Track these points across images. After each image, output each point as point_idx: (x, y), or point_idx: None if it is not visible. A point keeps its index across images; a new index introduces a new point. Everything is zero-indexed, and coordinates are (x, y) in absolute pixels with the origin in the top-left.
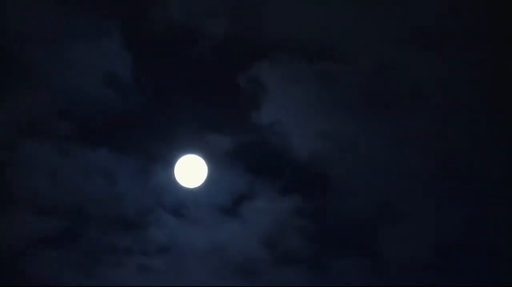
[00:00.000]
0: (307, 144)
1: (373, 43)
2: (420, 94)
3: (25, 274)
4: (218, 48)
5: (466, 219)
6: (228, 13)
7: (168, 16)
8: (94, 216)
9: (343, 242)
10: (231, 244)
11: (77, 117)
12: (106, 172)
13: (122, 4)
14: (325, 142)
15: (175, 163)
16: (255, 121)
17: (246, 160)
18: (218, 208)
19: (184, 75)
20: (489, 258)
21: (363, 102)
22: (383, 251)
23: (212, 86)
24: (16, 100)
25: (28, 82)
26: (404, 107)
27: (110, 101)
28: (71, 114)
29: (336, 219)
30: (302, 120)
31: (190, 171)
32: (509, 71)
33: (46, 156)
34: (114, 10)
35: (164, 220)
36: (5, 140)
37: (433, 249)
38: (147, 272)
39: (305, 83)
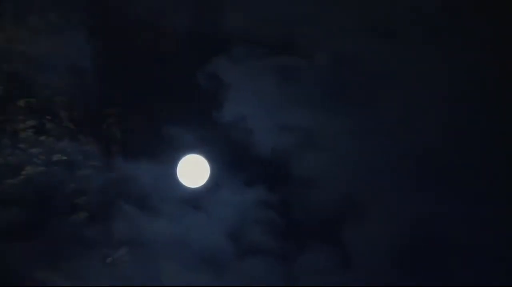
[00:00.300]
0: (269, 137)
1: (333, 36)
2: (381, 86)
3: None
4: (179, 42)
5: (429, 211)
6: (189, 8)
7: (131, 10)
8: (59, 208)
9: (307, 234)
10: (196, 236)
11: (40, 108)
12: (70, 164)
13: None
14: (287, 135)
15: (141, 154)
16: (217, 115)
17: (210, 154)
18: (183, 200)
19: (146, 69)
20: (453, 250)
21: (324, 96)
22: (348, 243)
23: (174, 81)
24: None
25: None
26: (366, 99)
27: (71, 93)
28: (34, 104)
29: (300, 211)
30: (264, 114)
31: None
32: (470, 62)
33: (9, 147)
34: (78, 4)
35: (129, 212)
36: None
37: (396, 241)
38: (112, 264)
39: (266, 78)
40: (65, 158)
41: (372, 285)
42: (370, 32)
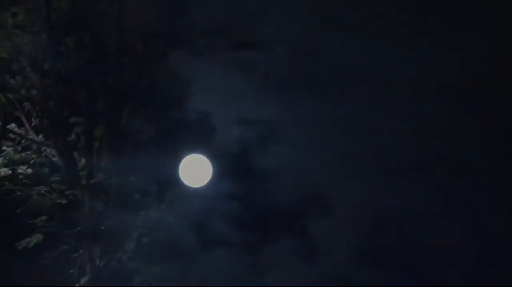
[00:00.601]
0: (233, 131)
1: (294, 29)
2: (344, 79)
3: None
4: (141, 38)
5: (396, 205)
6: (149, 2)
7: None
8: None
9: (272, 227)
10: (160, 229)
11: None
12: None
13: None
14: (251, 129)
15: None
16: (177, 108)
17: (173, 146)
18: (147, 192)
19: (106, 65)
20: (419, 246)
21: (287, 89)
22: (313, 236)
23: (133, 76)
24: None
25: None
26: (326, 92)
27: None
28: None
29: (265, 204)
30: (227, 108)
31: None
32: (433, 55)
33: None
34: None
35: (93, 204)
36: None
37: (363, 235)
38: (74, 256)
39: (228, 72)
40: (29, 170)
41: (337, 277)
42: (332, 25)
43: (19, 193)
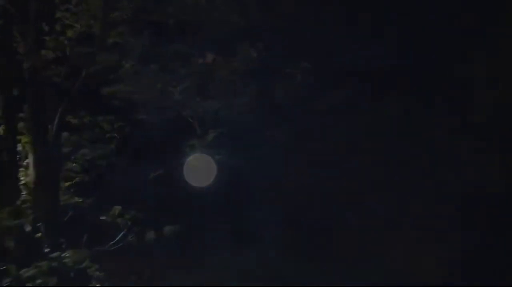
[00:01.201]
0: (160, 115)
1: (221, 17)
2: (278, 64)
3: None
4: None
5: (326, 190)
6: None
7: None
8: None
9: (202, 212)
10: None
11: None
12: None
13: None
14: (183, 117)
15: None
16: (108, 104)
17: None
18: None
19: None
20: (346, 228)
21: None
22: (242, 221)
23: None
24: None
25: None
26: (260, 75)
27: None
28: None
29: (195, 189)
30: (158, 99)
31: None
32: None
33: None
34: None
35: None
36: None
37: (291, 220)
38: None
39: (158, 64)
40: None
41: (267, 262)
42: (264, 7)
43: None
